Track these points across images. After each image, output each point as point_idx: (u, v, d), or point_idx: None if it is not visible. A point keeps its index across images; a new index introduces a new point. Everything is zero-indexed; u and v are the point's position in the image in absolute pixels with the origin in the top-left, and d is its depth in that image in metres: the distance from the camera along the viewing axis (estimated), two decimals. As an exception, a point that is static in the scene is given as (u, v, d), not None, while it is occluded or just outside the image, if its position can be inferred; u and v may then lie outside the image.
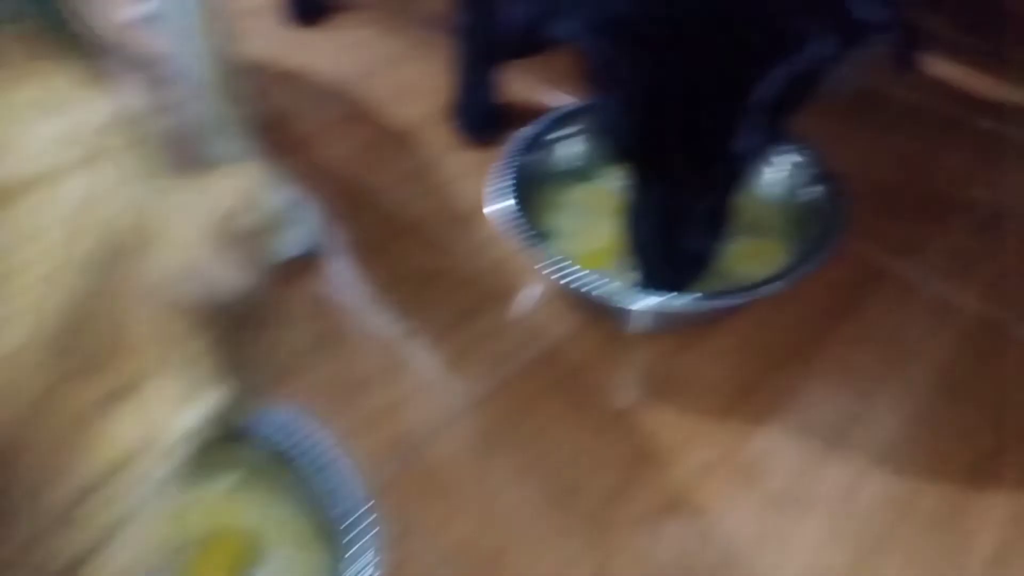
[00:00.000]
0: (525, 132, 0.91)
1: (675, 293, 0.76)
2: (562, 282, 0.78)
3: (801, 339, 0.83)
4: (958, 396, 0.78)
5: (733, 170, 0.71)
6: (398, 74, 1.21)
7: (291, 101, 1.16)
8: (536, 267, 0.81)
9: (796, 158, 0.89)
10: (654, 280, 0.76)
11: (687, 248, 0.75)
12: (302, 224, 0.91)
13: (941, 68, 1.18)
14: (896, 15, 0.65)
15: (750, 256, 0.84)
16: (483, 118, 1.07)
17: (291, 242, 0.90)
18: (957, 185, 1.01)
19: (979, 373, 0.80)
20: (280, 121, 1.12)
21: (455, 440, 0.75)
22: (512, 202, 0.83)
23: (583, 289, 0.77)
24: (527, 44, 0.72)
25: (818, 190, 0.86)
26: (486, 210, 0.84)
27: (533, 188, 0.90)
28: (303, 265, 0.90)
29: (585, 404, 0.78)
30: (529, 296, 0.88)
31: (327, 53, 1.25)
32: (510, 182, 0.86)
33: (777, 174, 0.90)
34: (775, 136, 0.70)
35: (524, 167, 0.89)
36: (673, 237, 0.74)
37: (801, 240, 0.84)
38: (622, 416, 0.77)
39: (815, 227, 0.83)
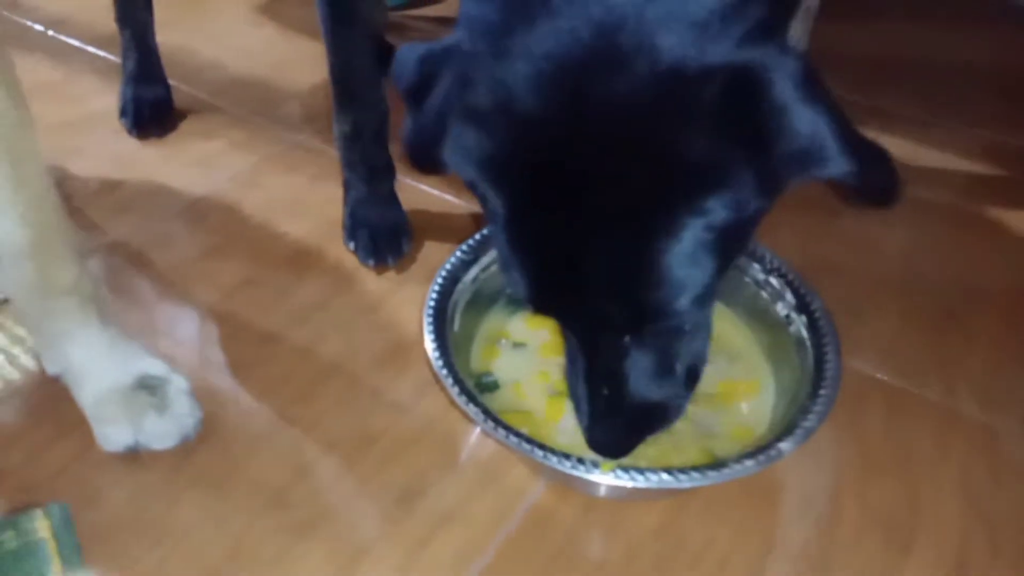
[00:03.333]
0: (452, 259, 0.76)
1: (620, 456, 0.62)
2: (513, 448, 0.62)
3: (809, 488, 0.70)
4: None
5: (670, 320, 0.57)
6: (269, 189, 1.03)
7: (148, 231, 0.96)
8: (485, 432, 0.65)
9: (760, 271, 0.77)
10: (597, 445, 0.62)
11: (628, 406, 0.61)
12: (173, 408, 0.71)
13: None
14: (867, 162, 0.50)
15: (731, 395, 0.72)
16: (387, 234, 0.91)
17: (159, 433, 0.70)
18: (914, 265, 0.95)
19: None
20: (138, 257, 0.92)
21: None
22: (437, 350, 0.68)
23: (542, 462, 0.61)
24: (428, 164, 0.58)
25: (794, 306, 0.74)
26: (425, 346, 0.68)
27: (467, 322, 0.75)
28: (182, 454, 0.70)
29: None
30: (479, 459, 0.72)
31: (182, 169, 1.06)
32: (436, 322, 0.70)
33: (745, 291, 0.79)
34: (713, 279, 0.55)
35: (454, 299, 0.74)
36: (612, 394, 0.61)
37: (788, 372, 0.72)
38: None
39: (802, 356, 0.71)
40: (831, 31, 1.24)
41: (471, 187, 0.55)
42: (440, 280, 0.74)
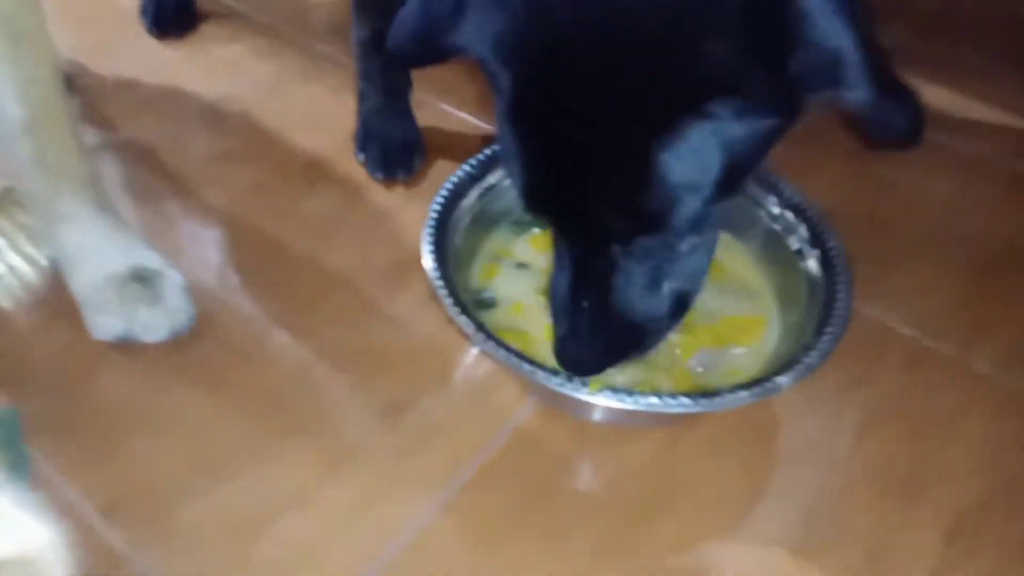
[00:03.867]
0: (459, 173, 0.74)
1: (589, 374, 0.59)
2: (507, 366, 0.60)
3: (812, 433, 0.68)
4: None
5: (665, 236, 0.54)
6: (289, 98, 1.01)
7: (163, 131, 0.94)
8: (474, 345, 0.63)
9: (775, 204, 0.74)
10: (566, 359, 0.60)
11: (607, 322, 0.59)
12: (165, 302, 0.70)
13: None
14: (883, 91, 0.48)
15: (736, 332, 0.69)
16: (399, 148, 0.89)
17: (150, 325, 0.69)
18: (952, 218, 0.90)
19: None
20: (151, 155, 0.91)
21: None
22: (435, 265, 0.65)
23: (529, 377, 0.59)
24: (425, 54, 0.57)
25: (807, 240, 0.71)
26: (422, 261, 0.66)
27: (470, 239, 0.73)
28: (176, 348, 0.70)
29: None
30: (471, 377, 0.70)
31: (201, 73, 1.04)
32: (437, 237, 0.68)
33: (759, 225, 0.75)
34: (723, 197, 0.53)
35: (457, 215, 0.72)
36: (592, 307, 0.58)
37: (797, 311, 0.69)
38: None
39: (812, 295, 0.68)
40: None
41: (482, 65, 0.53)
42: (443, 195, 0.71)
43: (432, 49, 0.55)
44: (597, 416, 0.65)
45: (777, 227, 0.74)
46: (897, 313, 0.77)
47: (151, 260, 0.71)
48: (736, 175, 0.53)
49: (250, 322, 0.73)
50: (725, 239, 0.77)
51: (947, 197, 0.92)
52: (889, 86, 0.48)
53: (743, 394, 0.57)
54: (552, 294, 0.61)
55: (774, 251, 0.74)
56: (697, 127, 0.48)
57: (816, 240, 0.70)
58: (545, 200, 0.55)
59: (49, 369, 0.69)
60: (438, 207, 0.70)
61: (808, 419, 0.68)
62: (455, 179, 0.73)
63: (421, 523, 0.60)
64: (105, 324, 0.69)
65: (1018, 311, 0.78)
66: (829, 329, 0.62)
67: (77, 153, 0.66)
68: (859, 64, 0.46)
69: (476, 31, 0.52)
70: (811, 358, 0.60)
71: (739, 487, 0.63)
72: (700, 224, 0.55)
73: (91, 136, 0.93)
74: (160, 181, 0.88)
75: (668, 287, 0.60)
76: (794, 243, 0.72)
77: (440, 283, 0.64)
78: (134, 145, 0.92)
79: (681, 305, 0.61)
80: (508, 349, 0.59)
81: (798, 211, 0.73)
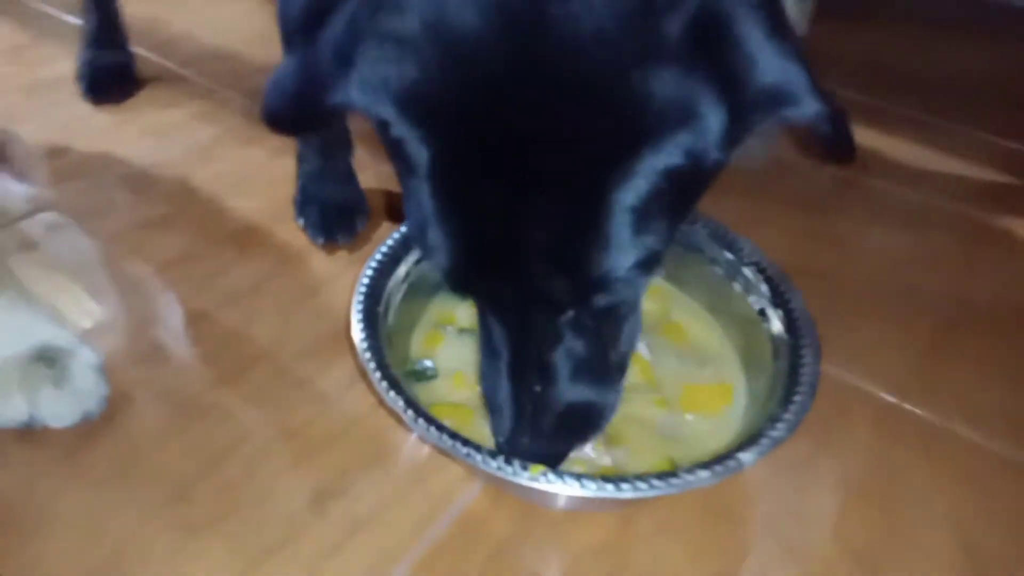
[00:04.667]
0: (395, 236, 0.69)
1: (548, 464, 0.53)
2: (434, 444, 0.54)
3: (777, 511, 0.62)
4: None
5: (607, 298, 0.49)
6: (226, 162, 0.96)
7: (90, 199, 0.89)
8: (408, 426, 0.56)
9: (728, 255, 0.70)
10: (522, 452, 0.54)
11: (561, 404, 0.53)
12: (74, 383, 0.64)
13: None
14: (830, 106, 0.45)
15: (700, 401, 0.64)
16: (339, 211, 0.84)
17: (57, 410, 0.63)
18: (908, 272, 0.87)
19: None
20: (74, 224, 0.85)
21: None
22: (365, 336, 0.60)
23: (467, 461, 0.53)
24: (305, 117, 0.51)
25: (769, 300, 0.66)
26: (351, 332, 0.61)
27: (409, 306, 0.68)
28: (85, 435, 0.63)
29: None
30: (409, 458, 0.64)
31: (135, 138, 0.99)
32: (368, 306, 0.63)
33: (718, 285, 0.71)
34: (664, 243, 0.48)
35: (394, 281, 0.67)
36: (544, 390, 0.53)
37: (761, 375, 0.64)
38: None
39: (776, 356, 0.63)
40: (830, 29, 1.17)
41: (381, 130, 0.46)
42: (376, 261, 0.66)
43: (312, 111, 0.49)
44: (541, 500, 0.59)
45: (737, 287, 0.69)
46: (861, 372, 0.72)
47: (59, 338, 0.65)
48: (679, 219, 0.49)
49: (168, 402, 0.67)
50: (683, 299, 0.73)
51: (899, 249, 0.89)
52: (829, 100, 0.45)
53: (703, 474, 0.51)
54: (487, 385, 0.55)
55: (735, 312, 0.69)
56: (649, 170, 0.44)
57: (778, 300, 0.66)
58: (480, 272, 0.49)
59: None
60: (370, 274, 0.65)
61: (773, 495, 0.62)
62: (390, 243, 0.68)
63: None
64: (7, 411, 0.62)
65: (979, 365, 0.74)
66: (796, 398, 0.57)
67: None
68: (806, 80, 0.44)
69: (371, 87, 0.45)
70: (777, 431, 0.55)
71: (699, 573, 0.57)
72: (648, 273, 0.49)
73: (15, 203, 0.88)
74: (84, 249, 0.83)
75: (614, 354, 0.55)
76: (756, 303, 0.67)
77: (368, 355, 0.58)
78: (61, 212, 0.87)
79: (621, 369, 0.57)
80: (442, 429, 0.54)
81: (758, 269, 0.69)
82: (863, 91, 1.16)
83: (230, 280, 0.79)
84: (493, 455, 0.52)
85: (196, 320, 0.74)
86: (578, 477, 0.52)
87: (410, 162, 0.46)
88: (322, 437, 0.64)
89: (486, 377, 0.55)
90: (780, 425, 0.56)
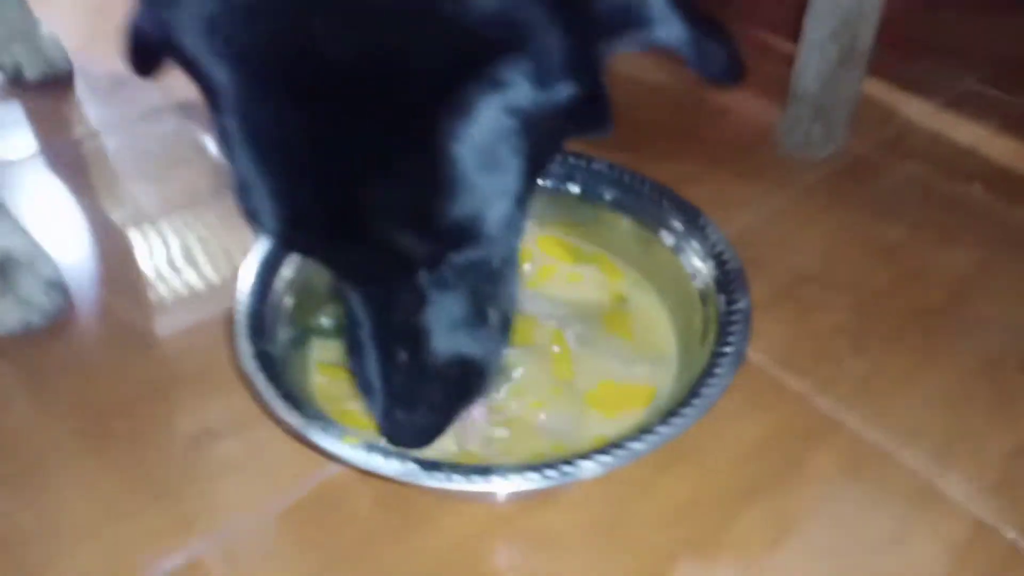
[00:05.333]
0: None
1: (430, 443, 0.49)
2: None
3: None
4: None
5: (467, 253, 0.44)
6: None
7: None
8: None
9: (697, 252, 0.62)
10: (401, 435, 0.49)
11: (434, 374, 0.48)
12: (21, 291, 0.66)
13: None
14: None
15: (609, 401, 0.57)
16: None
17: (6, 316, 0.66)
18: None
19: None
20: None
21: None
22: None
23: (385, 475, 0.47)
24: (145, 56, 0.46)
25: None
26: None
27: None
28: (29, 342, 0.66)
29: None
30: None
31: None
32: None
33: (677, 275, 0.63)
34: (525, 189, 0.42)
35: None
36: (410, 361, 0.47)
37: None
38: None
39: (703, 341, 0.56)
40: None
41: (192, 67, 0.41)
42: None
43: (148, 49, 0.45)
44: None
45: (696, 282, 0.61)
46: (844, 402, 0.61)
47: (18, 248, 0.68)
48: (541, 161, 0.43)
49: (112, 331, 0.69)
50: (642, 286, 0.65)
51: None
52: (700, 21, 0.41)
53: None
54: (353, 362, 0.50)
55: (688, 308, 0.61)
56: (485, 100, 0.38)
57: (727, 297, 0.57)
58: (314, 234, 0.43)
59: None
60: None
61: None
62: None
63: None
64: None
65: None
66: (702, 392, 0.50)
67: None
68: (666, 2, 0.40)
69: (187, 17, 0.40)
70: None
71: None
72: (511, 226, 0.44)
73: None
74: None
75: (492, 312, 0.49)
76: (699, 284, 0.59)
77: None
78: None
79: (505, 329, 0.51)
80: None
81: (719, 261, 0.60)
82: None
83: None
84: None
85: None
86: (402, 456, 0.47)
87: (222, 104, 0.41)
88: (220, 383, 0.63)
89: (352, 352, 0.50)
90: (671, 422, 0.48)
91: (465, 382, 0.50)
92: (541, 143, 0.42)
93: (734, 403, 0.60)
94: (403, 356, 0.48)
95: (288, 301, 0.60)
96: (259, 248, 0.60)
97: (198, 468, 0.58)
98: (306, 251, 0.47)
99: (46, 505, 0.56)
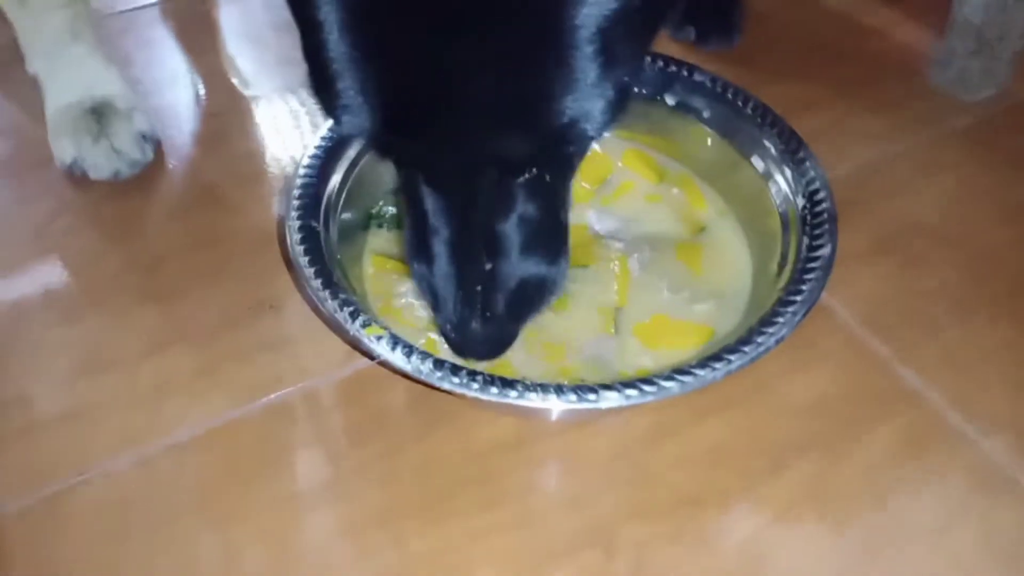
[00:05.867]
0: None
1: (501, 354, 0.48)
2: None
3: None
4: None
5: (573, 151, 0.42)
6: None
7: None
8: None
9: (790, 186, 0.56)
10: (474, 346, 0.47)
11: (507, 285, 0.45)
12: (112, 141, 0.68)
13: None
14: None
15: (658, 336, 0.53)
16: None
17: (94, 161, 0.68)
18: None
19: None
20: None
21: None
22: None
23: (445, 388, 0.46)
24: None
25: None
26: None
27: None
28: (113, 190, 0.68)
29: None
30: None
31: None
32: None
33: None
34: (635, 76, 0.39)
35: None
36: (483, 273, 0.45)
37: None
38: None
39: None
40: None
41: None
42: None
43: None
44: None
45: (782, 219, 0.55)
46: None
47: (118, 99, 0.70)
48: (652, 34, 0.41)
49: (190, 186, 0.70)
50: (725, 216, 0.60)
51: None
52: None
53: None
54: (420, 268, 0.47)
55: (768, 247, 0.56)
56: None
57: (810, 240, 0.52)
58: (410, 132, 0.39)
59: None
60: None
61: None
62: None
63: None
64: (59, 150, 0.69)
65: None
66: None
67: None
68: None
69: None
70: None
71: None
72: (615, 115, 0.39)
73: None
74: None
75: (562, 221, 0.47)
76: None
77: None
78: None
79: (568, 243, 0.48)
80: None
81: (812, 200, 0.54)
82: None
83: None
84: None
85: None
86: (426, 354, 0.45)
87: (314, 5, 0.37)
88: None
89: (417, 257, 0.47)
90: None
91: (535, 294, 0.47)
92: (655, 15, 0.39)
93: (802, 356, 0.55)
94: (481, 265, 0.45)
95: (353, 183, 0.58)
96: (325, 127, 0.58)
97: (248, 336, 0.59)
98: (400, 150, 0.43)
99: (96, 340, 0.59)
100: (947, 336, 0.58)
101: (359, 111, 0.38)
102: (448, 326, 0.47)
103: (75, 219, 0.67)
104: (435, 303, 0.48)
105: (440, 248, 0.45)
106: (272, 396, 0.55)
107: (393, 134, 0.40)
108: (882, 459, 0.51)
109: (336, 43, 0.37)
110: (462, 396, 0.45)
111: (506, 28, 0.35)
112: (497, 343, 0.48)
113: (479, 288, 0.46)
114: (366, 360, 0.55)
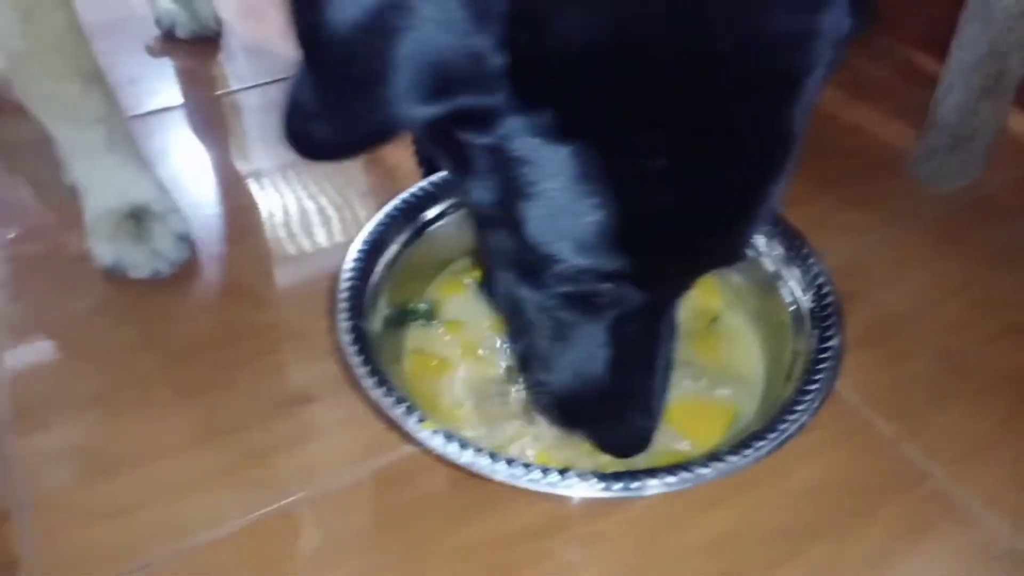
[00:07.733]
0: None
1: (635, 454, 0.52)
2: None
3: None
4: None
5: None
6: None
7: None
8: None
9: (798, 282, 0.61)
10: (635, 443, 0.52)
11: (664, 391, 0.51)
12: (152, 243, 0.73)
13: None
14: None
15: (684, 418, 0.57)
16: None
17: (134, 262, 0.72)
18: None
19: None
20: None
21: None
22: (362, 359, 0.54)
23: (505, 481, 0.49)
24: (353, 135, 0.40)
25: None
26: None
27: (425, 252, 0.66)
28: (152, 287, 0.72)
29: None
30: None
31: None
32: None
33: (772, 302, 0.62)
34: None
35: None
36: (656, 370, 0.50)
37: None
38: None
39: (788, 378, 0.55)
40: None
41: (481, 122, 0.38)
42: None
43: (362, 123, 0.38)
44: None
45: (791, 312, 0.60)
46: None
47: (156, 202, 0.74)
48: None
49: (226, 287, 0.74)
50: (735, 308, 0.65)
51: None
52: None
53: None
54: (573, 379, 0.50)
55: (780, 338, 0.60)
56: (816, 74, 0.38)
57: (820, 332, 0.56)
58: (649, 246, 0.41)
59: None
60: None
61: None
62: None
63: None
64: (98, 253, 0.73)
65: None
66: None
67: (79, 91, 0.67)
68: None
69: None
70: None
71: None
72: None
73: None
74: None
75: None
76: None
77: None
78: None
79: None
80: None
81: (818, 295, 0.59)
82: None
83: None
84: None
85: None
86: (479, 448, 0.49)
87: (538, 156, 0.39)
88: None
89: (576, 370, 0.50)
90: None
91: (664, 384, 0.52)
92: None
93: (813, 438, 0.59)
94: (657, 362, 0.50)
95: (389, 281, 0.62)
96: (369, 225, 0.63)
97: (288, 427, 0.62)
98: (637, 257, 0.42)
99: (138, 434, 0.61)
100: (934, 419, 0.62)
101: (611, 249, 0.41)
102: (618, 433, 0.51)
103: (114, 316, 0.70)
104: (583, 416, 0.52)
105: (600, 358, 0.49)
106: (300, 494, 0.57)
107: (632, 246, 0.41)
108: (891, 539, 0.55)
109: (584, 186, 0.39)
110: (513, 486, 0.48)
111: (741, 144, 0.39)
112: (648, 435, 0.51)
113: (643, 386, 0.50)
114: (394, 454, 0.59)
